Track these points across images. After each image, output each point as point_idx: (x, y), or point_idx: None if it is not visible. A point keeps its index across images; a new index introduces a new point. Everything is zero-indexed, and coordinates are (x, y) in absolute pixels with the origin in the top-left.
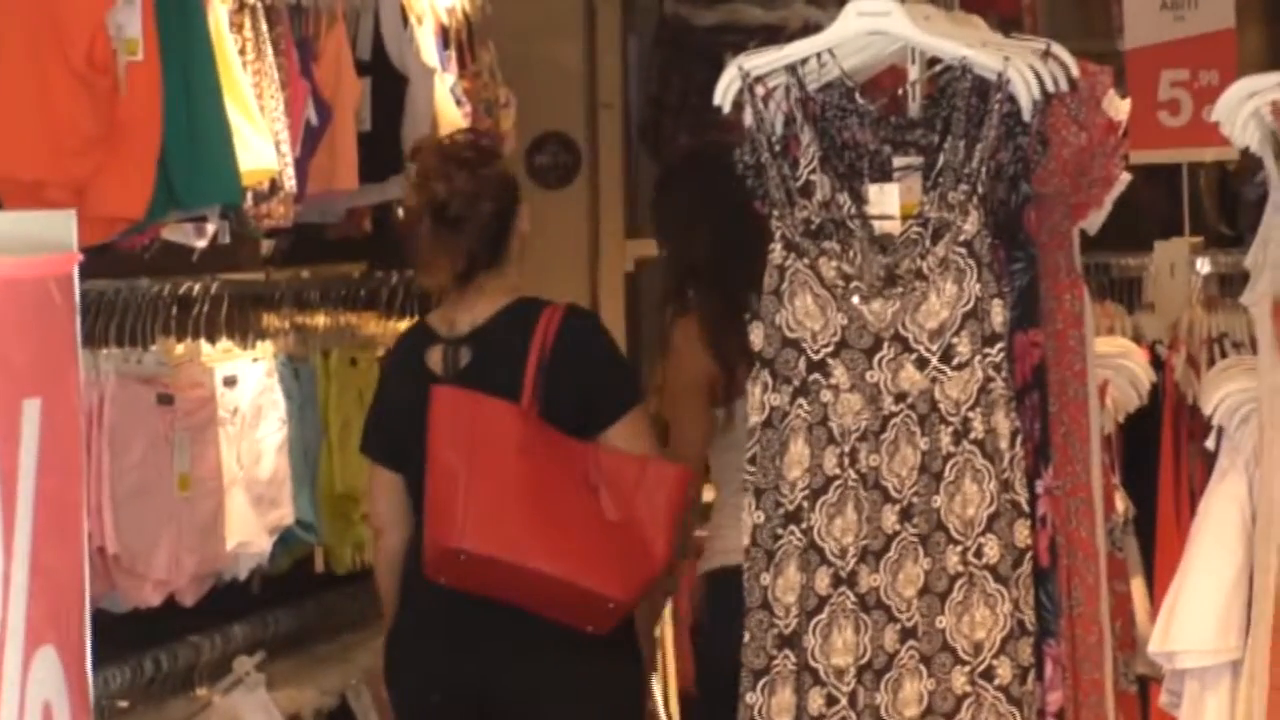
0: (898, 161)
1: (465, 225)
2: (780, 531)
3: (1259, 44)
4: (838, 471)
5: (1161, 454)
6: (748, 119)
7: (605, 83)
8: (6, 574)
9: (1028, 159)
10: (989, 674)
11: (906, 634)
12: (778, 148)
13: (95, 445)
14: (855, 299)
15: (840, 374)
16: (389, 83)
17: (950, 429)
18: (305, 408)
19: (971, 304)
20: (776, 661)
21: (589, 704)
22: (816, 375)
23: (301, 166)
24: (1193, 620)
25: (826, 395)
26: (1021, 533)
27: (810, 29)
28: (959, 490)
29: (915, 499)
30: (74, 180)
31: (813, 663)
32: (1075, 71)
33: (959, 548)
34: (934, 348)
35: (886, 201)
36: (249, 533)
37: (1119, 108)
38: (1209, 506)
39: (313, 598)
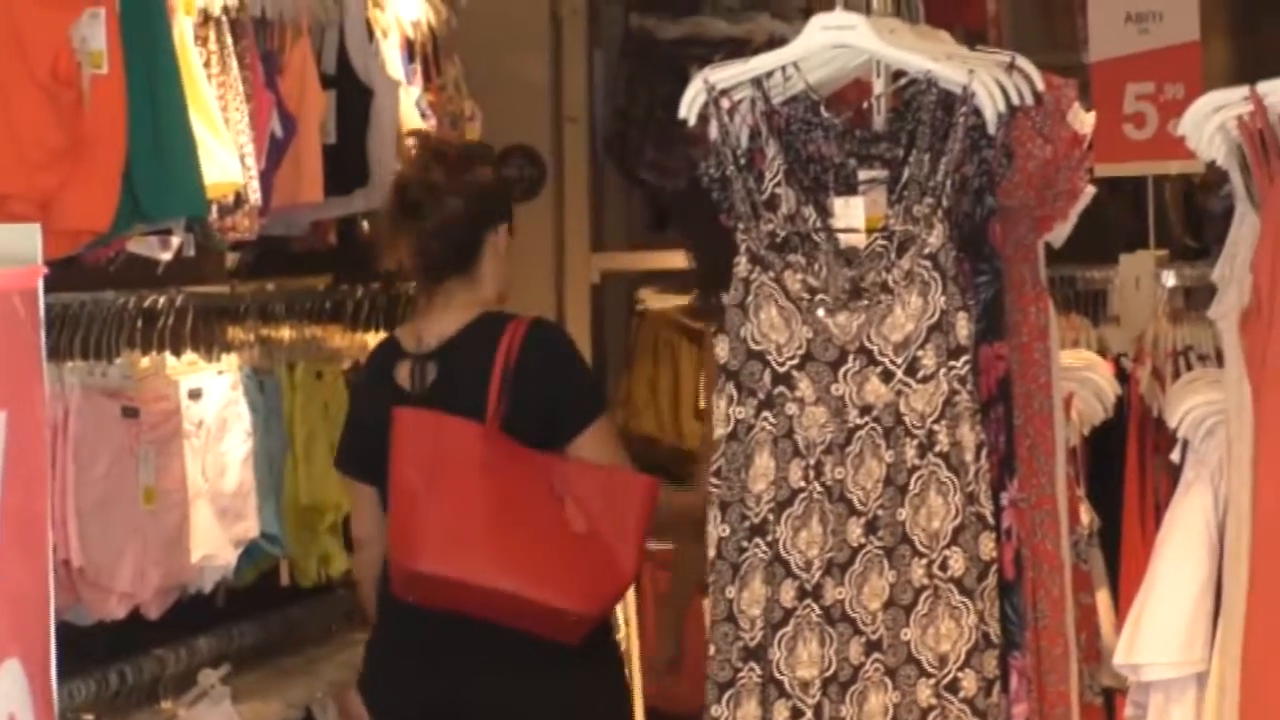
0: (863, 175)
1: (424, 214)
2: (745, 544)
3: (1224, 56)
4: (803, 484)
5: (1127, 467)
6: (713, 132)
7: (571, 96)
8: None
9: (993, 172)
10: (954, 686)
11: (872, 646)
12: (743, 161)
13: (60, 458)
14: (820, 312)
15: (805, 387)
16: (354, 96)
17: (915, 442)
18: (270, 420)
19: (936, 317)
20: (742, 674)
21: (565, 716)
22: (782, 388)
23: (266, 179)
24: (1158, 632)
25: (792, 408)
26: (986, 545)
27: (775, 42)
28: (924, 503)
29: (880, 512)
30: (39, 193)
31: (778, 675)
32: (1040, 85)
33: (924, 560)
34: (899, 360)
35: (851, 215)
36: (214, 545)
37: (1084, 121)
38: (1174, 519)
39: (278, 610)
